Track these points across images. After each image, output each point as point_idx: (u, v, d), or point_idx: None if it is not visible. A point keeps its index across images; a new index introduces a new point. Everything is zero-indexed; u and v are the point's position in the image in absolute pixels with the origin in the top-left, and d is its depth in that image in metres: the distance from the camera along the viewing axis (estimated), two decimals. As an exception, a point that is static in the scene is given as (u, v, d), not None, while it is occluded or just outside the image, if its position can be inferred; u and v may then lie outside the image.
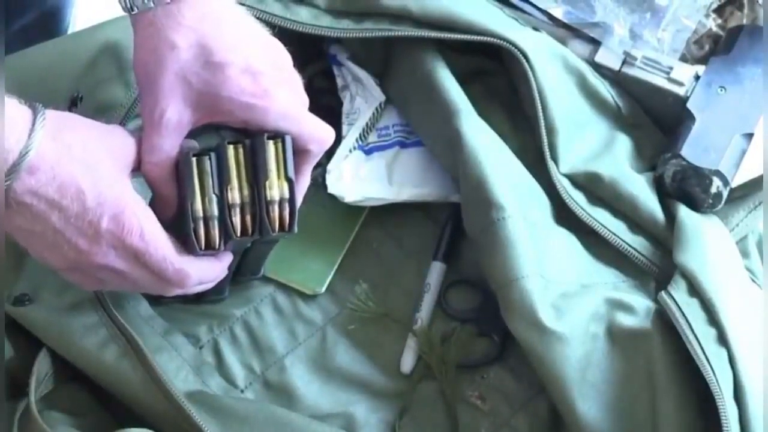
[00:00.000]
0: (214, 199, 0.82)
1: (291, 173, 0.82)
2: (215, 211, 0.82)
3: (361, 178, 0.99)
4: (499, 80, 1.02)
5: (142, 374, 0.86)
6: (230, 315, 0.97)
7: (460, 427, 0.93)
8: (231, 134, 0.83)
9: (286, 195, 0.83)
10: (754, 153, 0.97)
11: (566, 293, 0.90)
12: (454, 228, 1.00)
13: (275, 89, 0.83)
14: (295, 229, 0.83)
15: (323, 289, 0.99)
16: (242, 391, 0.94)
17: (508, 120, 1.00)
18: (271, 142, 0.82)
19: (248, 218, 0.83)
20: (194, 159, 0.81)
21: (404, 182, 1.00)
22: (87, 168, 0.77)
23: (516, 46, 0.96)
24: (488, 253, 0.91)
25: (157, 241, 0.80)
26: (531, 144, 0.98)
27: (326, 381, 0.95)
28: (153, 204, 0.84)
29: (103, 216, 0.78)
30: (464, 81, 0.99)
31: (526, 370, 0.92)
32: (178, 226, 0.83)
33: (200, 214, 0.82)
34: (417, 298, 0.98)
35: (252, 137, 0.83)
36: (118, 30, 0.97)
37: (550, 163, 0.96)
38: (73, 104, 0.95)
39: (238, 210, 0.82)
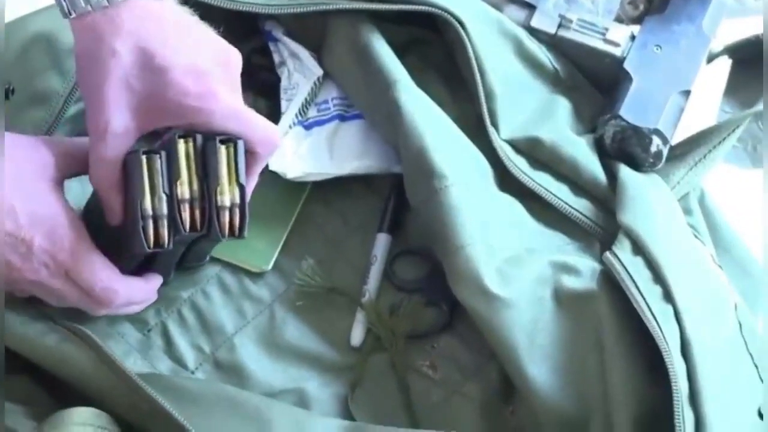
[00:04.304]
0: (164, 197, 0.81)
1: (243, 179, 0.82)
2: (165, 210, 0.81)
3: (302, 154, 0.99)
4: (436, 50, 1.02)
5: (86, 350, 0.86)
6: (177, 297, 0.97)
7: (412, 397, 0.93)
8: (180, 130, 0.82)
9: (237, 200, 0.82)
10: (691, 110, 0.98)
11: (511, 259, 0.90)
12: (398, 199, 1.00)
13: (221, 89, 0.82)
14: (245, 234, 0.83)
15: (270, 267, 0.98)
16: (193, 372, 0.94)
17: (446, 89, 1.00)
18: (223, 147, 0.81)
19: (197, 213, 0.82)
20: (144, 157, 0.80)
21: (345, 156, 0.99)
22: (18, 187, 0.78)
23: (451, 14, 0.96)
24: (432, 222, 0.92)
25: (87, 259, 0.81)
26: (470, 112, 0.98)
27: (276, 358, 0.95)
28: (93, 211, 0.83)
29: (35, 234, 0.78)
30: (401, 52, 0.98)
31: (475, 337, 0.92)
32: (124, 228, 0.82)
33: (149, 212, 0.81)
34: (364, 271, 0.98)
35: (202, 136, 0.82)
36: (48, 20, 0.96)
37: (491, 129, 0.96)
38: (5, 96, 0.94)
39: (187, 205, 0.82)
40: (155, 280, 0.87)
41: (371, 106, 0.98)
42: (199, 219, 0.82)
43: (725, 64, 1.04)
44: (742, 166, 1.04)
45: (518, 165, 0.96)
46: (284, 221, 1.00)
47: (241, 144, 0.81)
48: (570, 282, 0.90)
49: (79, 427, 0.80)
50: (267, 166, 0.97)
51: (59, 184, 0.82)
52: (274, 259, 0.99)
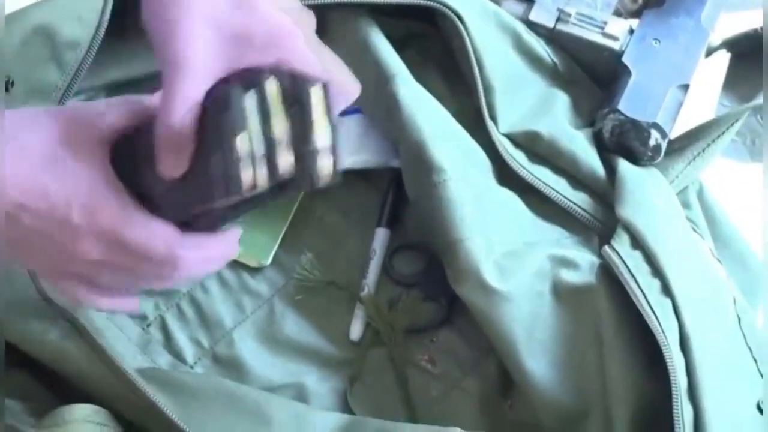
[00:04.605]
0: (262, 137, 0.75)
1: (335, 120, 0.76)
2: (263, 149, 0.75)
3: (301, 148, 0.98)
4: (434, 43, 1.02)
5: (85, 349, 0.86)
6: (176, 291, 0.97)
7: (411, 391, 0.93)
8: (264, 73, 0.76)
9: (329, 143, 0.76)
10: (690, 104, 0.98)
11: (510, 253, 0.90)
12: (397, 193, 1.00)
13: (308, 30, 0.78)
14: (337, 178, 0.77)
15: (269, 261, 0.98)
16: (191, 367, 0.94)
17: (444, 83, 1.00)
18: (316, 88, 0.75)
19: (291, 158, 0.76)
20: (236, 96, 0.74)
21: (344, 150, 0.99)
22: (48, 165, 0.73)
23: (449, 8, 0.96)
24: (431, 216, 0.92)
25: (139, 224, 0.76)
26: (469, 106, 0.98)
27: (275, 352, 0.95)
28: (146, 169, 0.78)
29: (72, 212, 0.74)
30: (399, 46, 0.98)
31: (474, 331, 0.92)
32: (193, 178, 0.76)
33: (245, 153, 0.74)
34: (363, 265, 0.98)
35: (290, 80, 0.76)
36: (49, 12, 0.96)
37: (489, 123, 0.96)
38: (5, 89, 0.94)
39: (283, 147, 0.75)
40: (231, 232, 0.81)
41: (369, 100, 0.98)
42: (293, 163, 0.76)
43: (724, 57, 1.04)
44: (741, 159, 1.04)
45: (517, 159, 0.96)
46: (283, 215, 1.00)
47: (330, 85, 0.76)
48: (569, 276, 0.90)
49: (79, 424, 0.80)
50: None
51: (102, 148, 0.76)
52: (273, 253, 0.99)
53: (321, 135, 0.75)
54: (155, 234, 0.76)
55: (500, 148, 0.95)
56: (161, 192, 0.78)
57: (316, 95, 0.75)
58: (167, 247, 0.76)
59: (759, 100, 0.98)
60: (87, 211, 0.74)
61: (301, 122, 0.76)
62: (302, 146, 0.76)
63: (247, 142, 0.74)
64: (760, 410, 0.84)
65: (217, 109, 0.75)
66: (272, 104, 0.75)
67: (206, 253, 0.79)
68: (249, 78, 0.76)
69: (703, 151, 0.97)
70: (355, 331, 0.95)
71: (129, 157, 0.79)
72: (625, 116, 0.95)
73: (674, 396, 0.80)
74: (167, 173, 0.75)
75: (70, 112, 0.77)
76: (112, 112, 0.78)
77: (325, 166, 0.76)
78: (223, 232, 0.80)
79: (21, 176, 0.73)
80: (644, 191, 0.92)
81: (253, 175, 0.75)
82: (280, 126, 0.75)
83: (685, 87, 0.97)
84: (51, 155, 0.74)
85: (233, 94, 0.74)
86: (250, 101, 0.74)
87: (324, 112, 0.76)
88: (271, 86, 0.75)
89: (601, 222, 0.94)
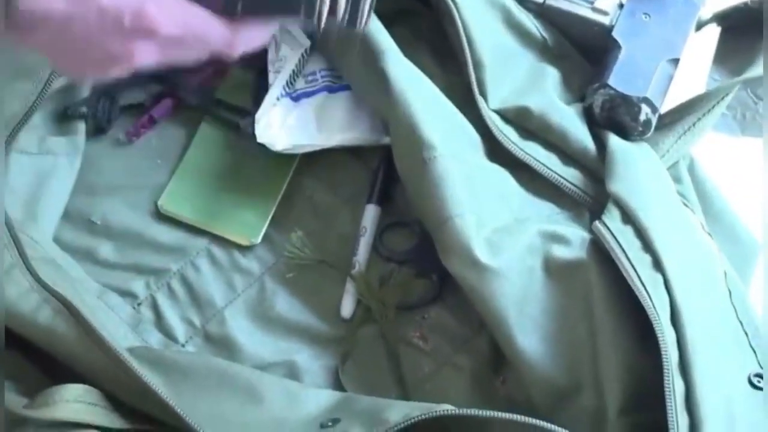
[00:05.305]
0: None
1: None
2: None
3: (290, 126, 0.98)
4: (425, 20, 1.02)
5: (76, 330, 0.85)
6: (167, 270, 0.97)
7: (402, 368, 0.93)
8: None
9: None
10: (680, 78, 0.97)
11: (501, 229, 0.90)
12: (387, 170, 0.99)
13: None
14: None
15: (259, 239, 0.98)
16: (183, 346, 0.94)
17: (434, 60, 1.00)
18: None
19: None
20: None
21: (334, 127, 0.99)
22: None
23: (438, -17, 0.96)
24: (421, 193, 0.91)
25: (194, 22, 0.73)
26: (459, 83, 0.98)
27: (267, 331, 0.95)
28: None
29: (123, 15, 0.69)
30: (388, 22, 0.98)
31: (465, 308, 0.92)
32: None
33: None
34: (353, 242, 0.97)
35: None
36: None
37: (479, 99, 0.96)
38: None
39: None
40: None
41: (359, 77, 0.98)
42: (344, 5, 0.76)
43: (714, 31, 1.04)
44: (732, 133, 1.04)
45: (507, 135, 0.95)
46: (273, 194, 1.00)
47: None
48: (560, 251, 0.90)
49: (70, 404, 0.80)
50: (255, 138, 0.97)
51: None
52: (263, 231, 0.99)
53: None
54: (214, 32, 0.74)
55: (490, 124, 0.95)
56: None
57: None
58: (224, 41, 0.74)
59: (749, 73, 0.97)
60: (141, 18, 0.70)
61: None
62: None
63: None
64: (752, 384, 0.84)
65: None
66: None
67: (254, 39, 0.77)
68: None
69: (694, 125, 0.97)
70: (347, 308, 0.95)
71: None
72: (616, 91, 0.95)
73: (665, 370, 0.80)
74: None
75: None
76: None
77: (366, 13, 0.76)
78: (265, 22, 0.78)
79: None
80: (635, 166, 0.92)
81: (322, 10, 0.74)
82: None
83: (676, 61, 0.97)
84: None
85: None
86: None
87: None
88: None
89: (592, 197, 0.94)
